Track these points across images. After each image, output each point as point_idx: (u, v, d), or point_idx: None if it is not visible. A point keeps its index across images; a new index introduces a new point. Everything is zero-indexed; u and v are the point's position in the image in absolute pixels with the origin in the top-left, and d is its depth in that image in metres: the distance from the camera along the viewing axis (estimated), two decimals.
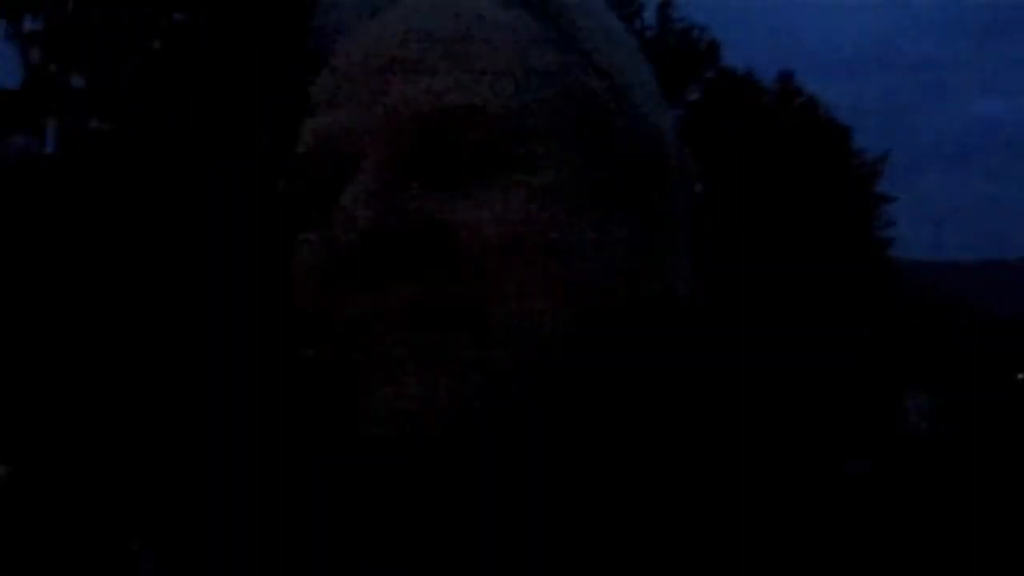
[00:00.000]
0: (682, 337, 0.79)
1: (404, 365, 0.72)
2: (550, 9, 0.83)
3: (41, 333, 13.21)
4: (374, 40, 0.81)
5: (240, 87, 14.73)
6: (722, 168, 24.05)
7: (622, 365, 0.76)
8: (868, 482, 0.78)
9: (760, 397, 0.79)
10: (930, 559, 0.73)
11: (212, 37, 15.80)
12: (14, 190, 14.83)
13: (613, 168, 0.80)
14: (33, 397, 11.28)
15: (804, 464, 0.78)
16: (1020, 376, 31.53)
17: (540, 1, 0.83)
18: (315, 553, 0.80)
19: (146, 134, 14.67)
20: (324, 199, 0.77)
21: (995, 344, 30.64)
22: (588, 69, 0.82)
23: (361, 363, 0.73)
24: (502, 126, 0.75)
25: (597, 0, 0.87)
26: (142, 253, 13.83)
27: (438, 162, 0.76)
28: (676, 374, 0.77)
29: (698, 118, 25.96)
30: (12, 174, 15.39)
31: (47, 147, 16.92)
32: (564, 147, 0.78)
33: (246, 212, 11.62)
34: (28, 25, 17.14)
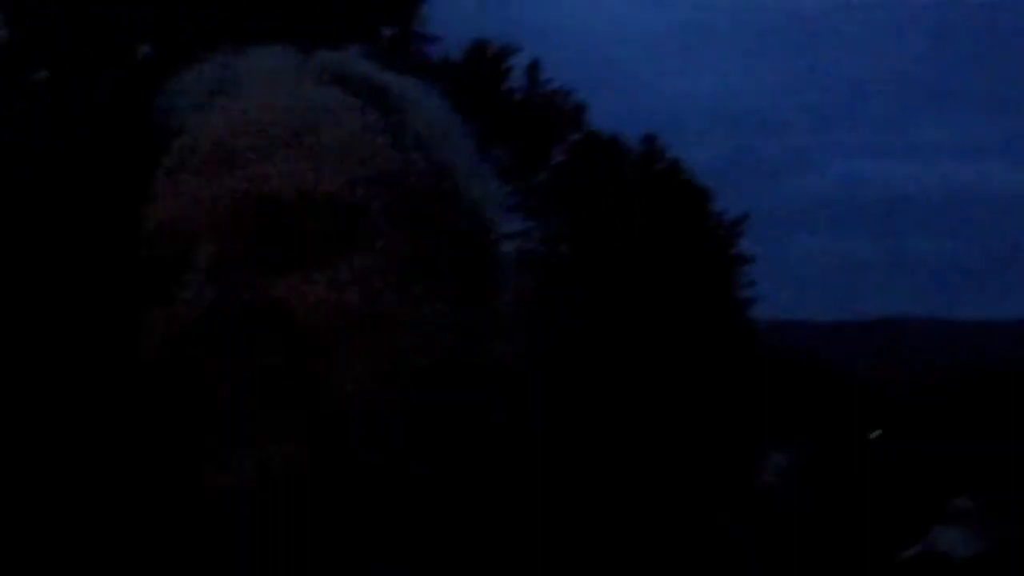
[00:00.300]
0: (492, 399, 0.86)
1: (243, 432, 0.77)
2: (388, 100, 0.89)
3: None
4: (216, 128, 0.85)
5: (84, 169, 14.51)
6: (585, 229, 24.43)
7: (434, 428, 0.83)
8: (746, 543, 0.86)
9: (605, 453, 0.89)
10: None
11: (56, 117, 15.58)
12: None
13: (436, 246, 0.85)
14: None
15: (677, 521, 0.87)
16: (873, 434, 32.54)
17: (378, 92, 0.89)
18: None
19: None
20: (168, 278, 0.81)
21: (851, 403, 31.64)
22: (416, 155, 0.87)
23: (206, 427, 0.78)
24: (332, 208, 0.81)
25: (431, 93, 0.92)
26: None
27: (274, 243, 0.80)
28: (493, 436, 0.85)
29: (562, 181, 26.32)
30: None
31: None
32: (392, 226, 0.83)
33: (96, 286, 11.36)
34: None
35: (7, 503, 0.89)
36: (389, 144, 0.86)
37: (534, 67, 27.90)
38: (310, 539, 0.81)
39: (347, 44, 0.95)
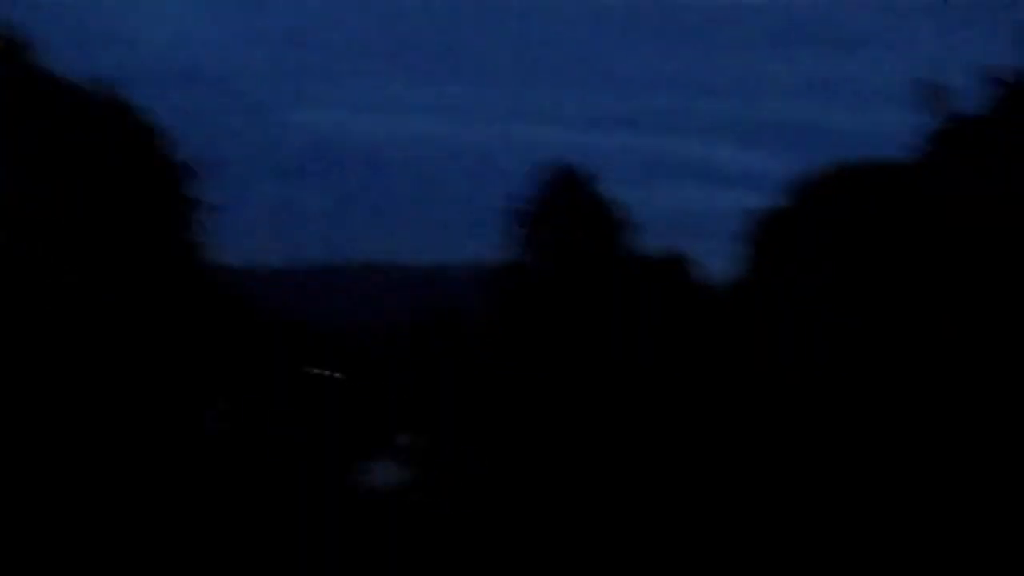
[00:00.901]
0: None
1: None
2: None
3: None
4: None
5: None
6: (37, 170, 23.01)
7: None
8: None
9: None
10: None
11: None
12: None
13: None
14: None
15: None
16: (314, 371, 33.58)
17: None
18: None
19: None
20: None
21: (299, 346, 32.52)
22: None
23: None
24: None
25: None
26: None
27: None
28: None
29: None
30: None
31: None
32: None
33: None
34: None
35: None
36: None
37: None
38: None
39: None
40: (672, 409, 19.61)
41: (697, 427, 20.04)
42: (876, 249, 17.32)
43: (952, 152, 14.51)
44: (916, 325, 15.47)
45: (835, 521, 12.17)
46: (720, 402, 20.89)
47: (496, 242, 28.65)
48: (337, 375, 33.96)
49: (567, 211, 29.87)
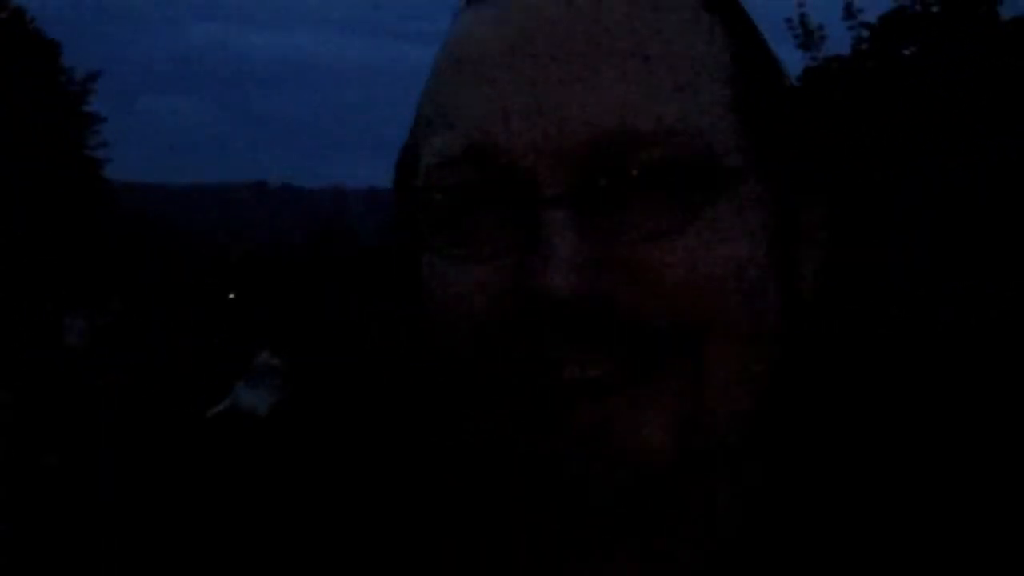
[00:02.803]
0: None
1: (608, 417, 0.67)
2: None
3: None
4: (508, 27, 0.70)
5: None
6: None
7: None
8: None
9: None
10: None
11: None
12: None
13: (789, 197, 0.74)
14: None
15: None
16: (231, 295, 33.33)
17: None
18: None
19: None
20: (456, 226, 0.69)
21: (190, 263, 32.28)
22: (765, 76, 0.74)
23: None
24: (686, 147, 0.67)
25: None
26: None
27: (621, 195, 0.67)
28: None
29: None
30: None
31: None
32: (752, 171, 0.70)
33: None
34: None
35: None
36: (731, 59, 0.71)
37: None
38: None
39: None
40: None
41: None
42: None
43: (821, 92, 14.97)
44: None
45: None
46: None
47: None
48: (229, 295, 33.70)
49: None
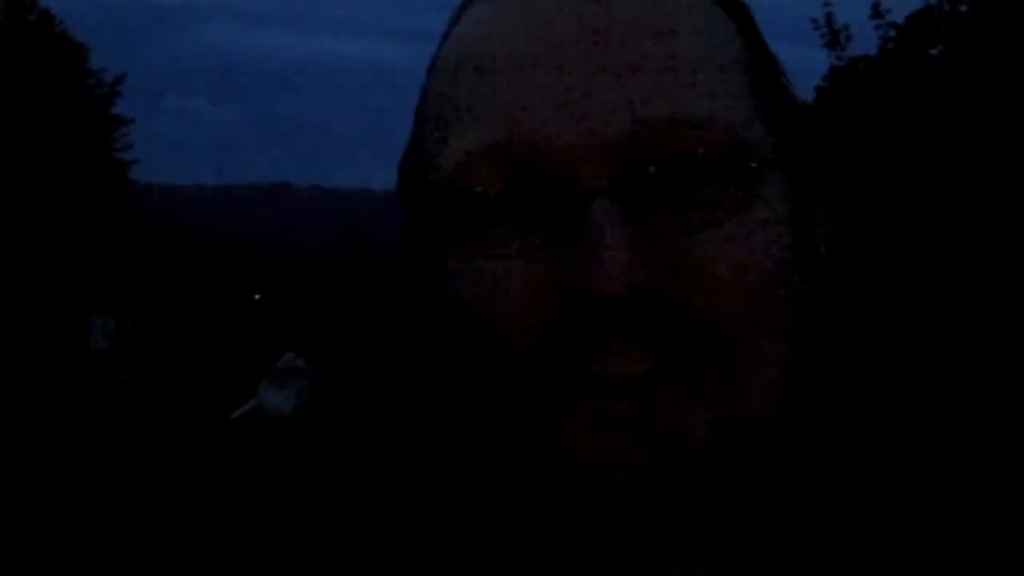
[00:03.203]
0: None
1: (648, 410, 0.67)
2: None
3: None
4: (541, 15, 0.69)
5: None
6: None
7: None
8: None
9: None
10: None
11: None
12: None
13: (808, 196, 0.74)
14: None
15: None
16: (256, 296, 33.51)
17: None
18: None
19: None
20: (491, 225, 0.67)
21: (225, 267, 32.40)
22: (772, 76, 0.75)
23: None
24: (726, 142, 0.67)
25: None
26: None
27: (668, 188, 0.67)
28: None
29: None
30: None
31: None
32: (778, 167, 0.70)
33: None
34: None
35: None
36: (747, 55, 0.72)
37: None
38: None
39: None
40: None
41: None
42: None
43: (847, 92, 14.91)
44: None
45: None
46: None
47: None
48: (255, 296, 33.82)
49: None
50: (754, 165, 0.67)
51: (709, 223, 0.66)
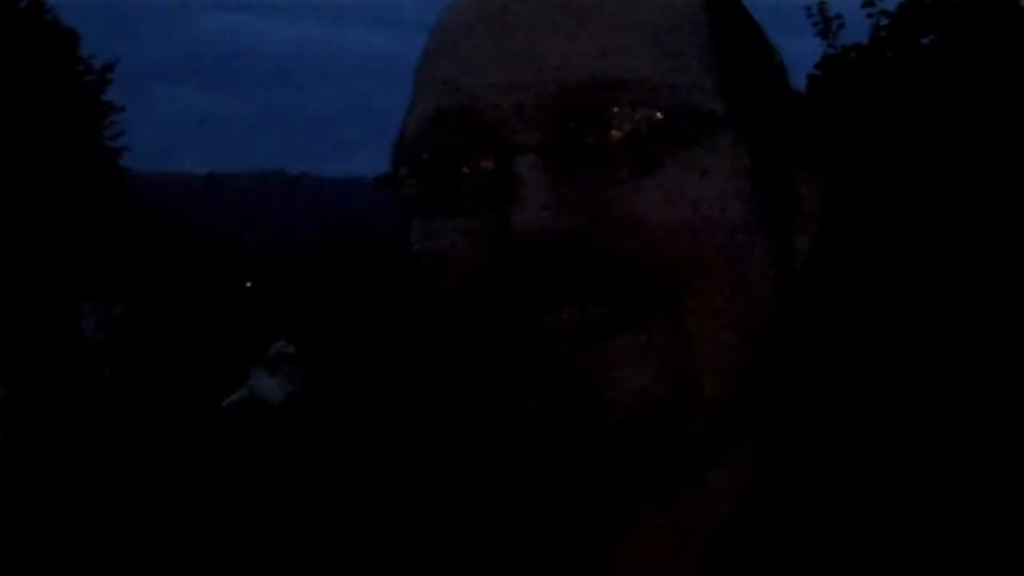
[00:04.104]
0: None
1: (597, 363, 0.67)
2: None
3: None
4: None
5: None
6: None
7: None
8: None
9: None
10: None
11: None
12: None
13: (772, 160, 0.74)
14: None
15: None
16: (247, 284, 33.45)
17: None
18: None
19: None
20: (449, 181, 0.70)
21: (212, 254, 32.43)
22: (743, 35, 0.76)
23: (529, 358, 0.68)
24: (665, 103, 0.68)
25: None
26: None
27: (597, 144, 0.68)
28: None
29: None
30: None
31: None
32: (732, 127, 0.71)
33: None
34: None
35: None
36: (710, 25, 0.73)
37: None
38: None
39: None
40: None
41: None
42: None
43: (839, 80, 14.91)
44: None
45: None
46: None
47: None
48: (246, 283, 33.74)
49: None
50: (694, 120, 0.68)
51: (642, 175, 0.67)
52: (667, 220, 0.66)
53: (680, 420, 0.67)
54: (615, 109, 0.67)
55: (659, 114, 0.67)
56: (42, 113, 27.08)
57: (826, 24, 16.39)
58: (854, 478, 0.74)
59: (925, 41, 15.29)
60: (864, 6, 16.04)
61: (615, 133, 0.67)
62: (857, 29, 16.47)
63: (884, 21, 15.88)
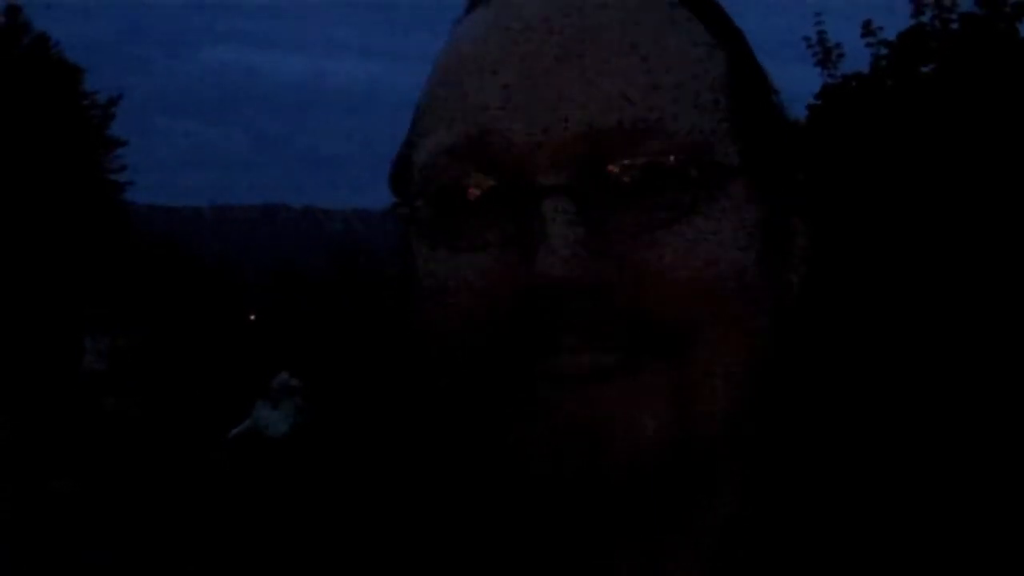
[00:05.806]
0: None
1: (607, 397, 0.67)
2: (714, 11, 0.77)
3: None
4: (509, 25, 0.72)
5: None
6: None
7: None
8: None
9: None
10: None
11: None
12: None
13: (778, 207, 0.75)
14: None
15: None
16: (252, 317, 33.43)
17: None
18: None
19: None
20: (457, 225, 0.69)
21: (215, 287, 32.44)
22: (756, 87, 0.76)
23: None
24: (684, 150, 0.69)
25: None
26: None
27: (622, 192, 0.68)
28: None
29: None
30: None
31: None
32: (743, 176, 0.71)
33: None
34: None
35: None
36: (725, 65, 0.74)
37: None
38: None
39: None
40: None
41: None
42: None
43: (839, 109, 14.95)
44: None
45: None
46: None
47: None
48: (251, 316, 33.75)
49: None
50: (714, 170, 0.68)
51: (664, 225, 0.67)
52: (687, 274, 0.66)
53: (680, 459, 0.68)
54: (640, 156, 0.67)
55: (683, 162, 0.67)
56: (46, 148, 27.17)
57: (826, 54, 16.43)
58: (845, 496, 0.74)
59: (925, 70, 15.33)
60: (864, 35, 16.08)
61: (638, 178, 0.67)
62: (857, 59, 16.52)
63: (884, 51, 15.92)
